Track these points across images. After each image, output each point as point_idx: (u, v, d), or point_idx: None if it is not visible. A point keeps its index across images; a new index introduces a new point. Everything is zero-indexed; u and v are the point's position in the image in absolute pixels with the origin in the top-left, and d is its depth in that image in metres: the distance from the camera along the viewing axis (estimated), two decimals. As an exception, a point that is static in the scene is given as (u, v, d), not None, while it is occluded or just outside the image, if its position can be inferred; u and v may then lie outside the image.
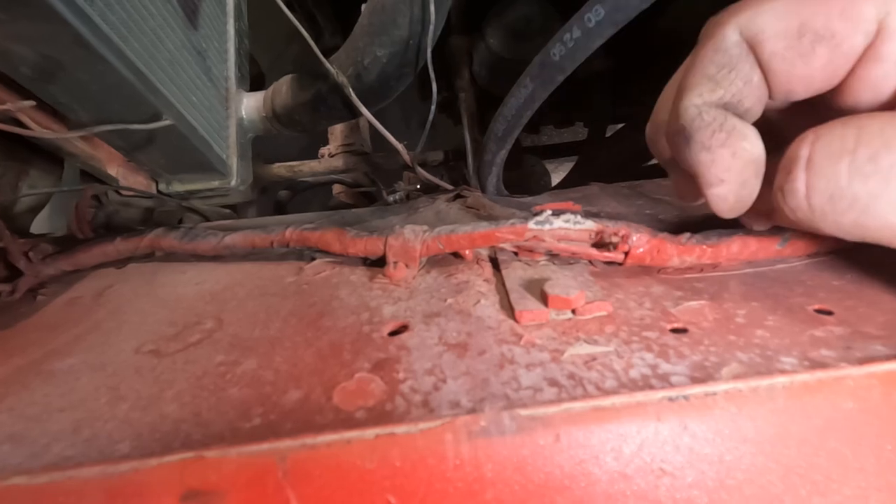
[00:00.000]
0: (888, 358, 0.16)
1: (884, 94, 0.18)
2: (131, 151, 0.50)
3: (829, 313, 0.19)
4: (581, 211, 0.23)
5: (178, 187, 0.55)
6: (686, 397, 0.15)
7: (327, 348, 0.19)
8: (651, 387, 0.16)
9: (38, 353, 0.21)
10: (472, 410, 0.15)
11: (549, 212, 0.23)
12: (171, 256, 0.31)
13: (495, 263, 0.25)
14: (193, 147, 0.49)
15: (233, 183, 0.56)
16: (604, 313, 0.20)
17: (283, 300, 0.24)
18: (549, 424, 0.15)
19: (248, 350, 0.20)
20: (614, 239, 0.23)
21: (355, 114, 0.53)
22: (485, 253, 0.26)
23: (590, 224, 0.23)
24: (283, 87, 0.57)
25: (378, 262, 0.26)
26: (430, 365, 0.18)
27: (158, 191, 0.56)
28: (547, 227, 0.23)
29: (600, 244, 0.23)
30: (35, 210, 0.61)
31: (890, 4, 0.17)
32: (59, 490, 0.14)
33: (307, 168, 0.77)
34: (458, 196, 0.37)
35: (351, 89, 0.42)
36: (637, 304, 0.21)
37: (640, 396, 0.15)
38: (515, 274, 0.23)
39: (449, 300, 0.22)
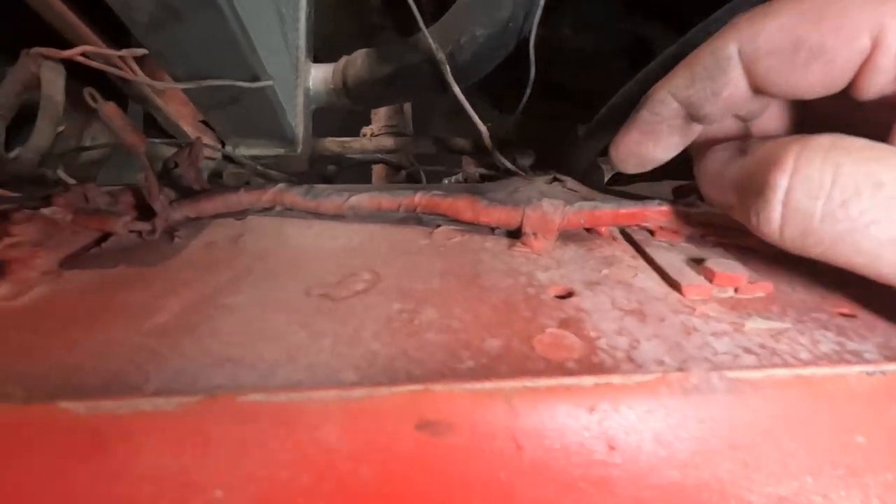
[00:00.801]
0: None
1: (889, 91, 0.19)
2: (211, 110, 0.50)
3: None
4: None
5: (243, 151, 0.55)
6: (884, 373, 0.16)
7: (502, 305, 0.20)
8: (846, 361, 0.17)
9: (204, 289, 0.22)
10: (680, 369, 0.16)
11: (695, 195, 0.24)
12: (288, 212, 0.31)
13: (630, 241, 0.26)
14: (273, 112, 0.49)
15: (298, 151, 0.56)
16: (763, 294, 0.21)
17: (429, 259, 0.24)
18: (757, 387, 0.16)
19: (421, 301, 0.21)
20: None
21: (435, 92, 0.54)
22: (616, 231, 0.27)
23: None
24: (357, 61, 0.57)
25: (509, 234, 0.27)
26: (617, 326, 0.19)
27: (225, 153, 0.56)
28: (693, 209, 0.24)
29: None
30: (98, 163, 0.61)
31: (884, 18, 0.18)
32: (298, 411, 0.15)
33: (358, 145, 0.78)
34: (554, 179, 0.38)
35: (448, 67, 0.43)
36: (790, 288, 0.21)
37: (840, 369, 0.16)
38: (662, 252, 0.24)
39: (604, 271, 0.23)
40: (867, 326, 0.19)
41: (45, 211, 0.24)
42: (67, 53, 0.34)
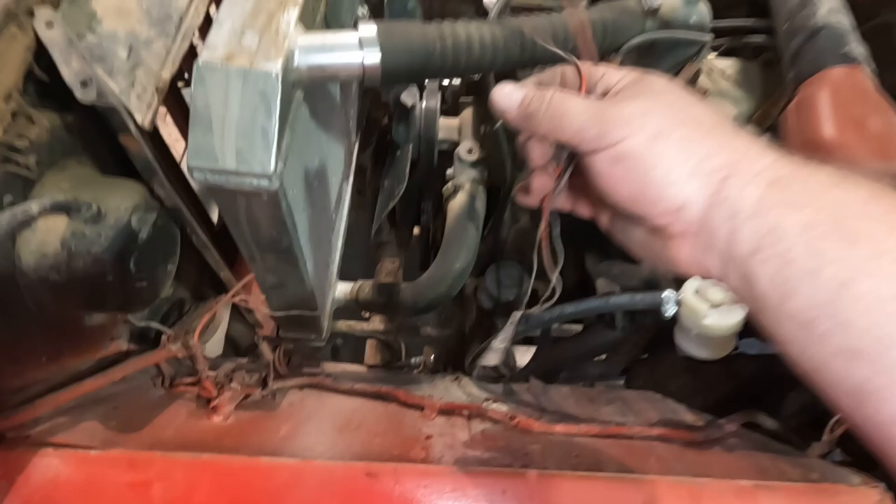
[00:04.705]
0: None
1: None
2: (275, 311, 0.88)
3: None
4: (501, 402, 0.61)
5: (282, 333, 0.92)
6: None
7: (403, 438, 0.56)
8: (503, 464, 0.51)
9: (297, 423, 0.57)
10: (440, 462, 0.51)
11: (492, 402, 0.61)
12: (321, 386, 0.67)
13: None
14: (319, 324, 0.87)
15: (323, 338, 0.94)
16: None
17: (389, 416, 0.60)
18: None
19: (377, 433, 0.56)
20: (508, 417, 0.60)
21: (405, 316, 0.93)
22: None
23: (505, 409, 0.60)
24: (367, 288, 0.97)
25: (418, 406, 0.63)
26: (443, 445, 0.54)
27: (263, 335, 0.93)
28: (490, 406, 0.61)
29: (509, 417, 0.60)
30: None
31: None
32: (334, 467, 0.50)
33: (359, 327, 1.16)
34: (456, 378, 0.74)
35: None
36: (511, 440, 0.57)
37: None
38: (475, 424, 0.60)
39: (449, 428, 0.58)
40: (543, 452, 0.54)
41: (234, 384, 0.60)
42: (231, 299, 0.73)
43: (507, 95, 0.38)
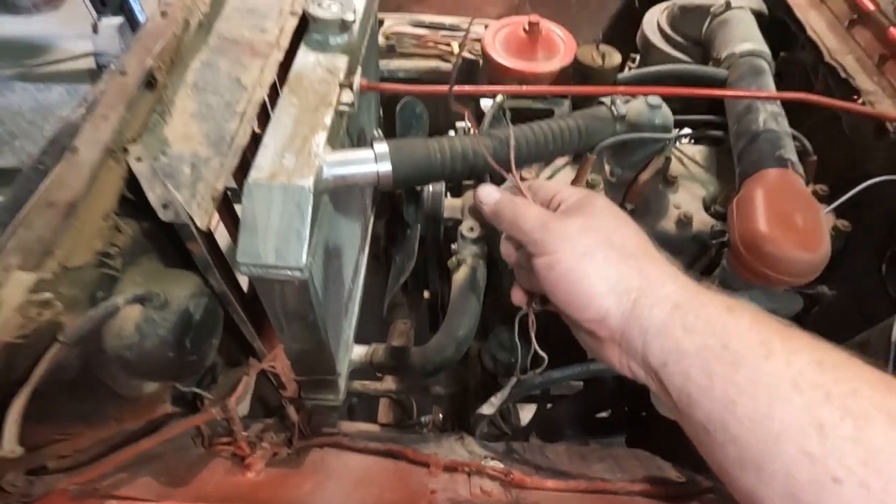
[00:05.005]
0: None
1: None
2: (299, 375, 0.98)
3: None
4: (499, 460, 0.69)
5: (304, 395, 1.01)
6: (510, 522, 0.58)
7: (412, 492, 0.63)
8: (502, 518, 0.59)
9: (318, 481, 0.65)
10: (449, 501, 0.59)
11: (490, 460, 0.69)
12: (339, 445, 0.76)
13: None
14: (335, 385, 0.96)
15: (340, 399, 1.02)
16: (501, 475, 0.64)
17: (400, 473, 0.68)
18: (474, 522, 0.58)
19: (388, 488, 0.64)
20: (504, 474, 0.67)
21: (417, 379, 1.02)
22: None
23: (500, 465, 0.68)
24: (380, 351, 1.07)
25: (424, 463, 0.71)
26: (446, 499, 0.61)
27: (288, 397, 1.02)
28: (489, 463, 0.68)
29: (505, 473, 0.68)
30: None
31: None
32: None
33: (373, 387, 1.25)
34: (460, 437, 0.82)
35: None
36: (506, 494, 0.64)
37: (499, 519, 0.59)
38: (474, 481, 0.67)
39: (451, 483, 0.66)
40: (520, 510, 0.61)
41: (264, 444, 0.69)
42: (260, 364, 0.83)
43: (488, 194, 0.48)
